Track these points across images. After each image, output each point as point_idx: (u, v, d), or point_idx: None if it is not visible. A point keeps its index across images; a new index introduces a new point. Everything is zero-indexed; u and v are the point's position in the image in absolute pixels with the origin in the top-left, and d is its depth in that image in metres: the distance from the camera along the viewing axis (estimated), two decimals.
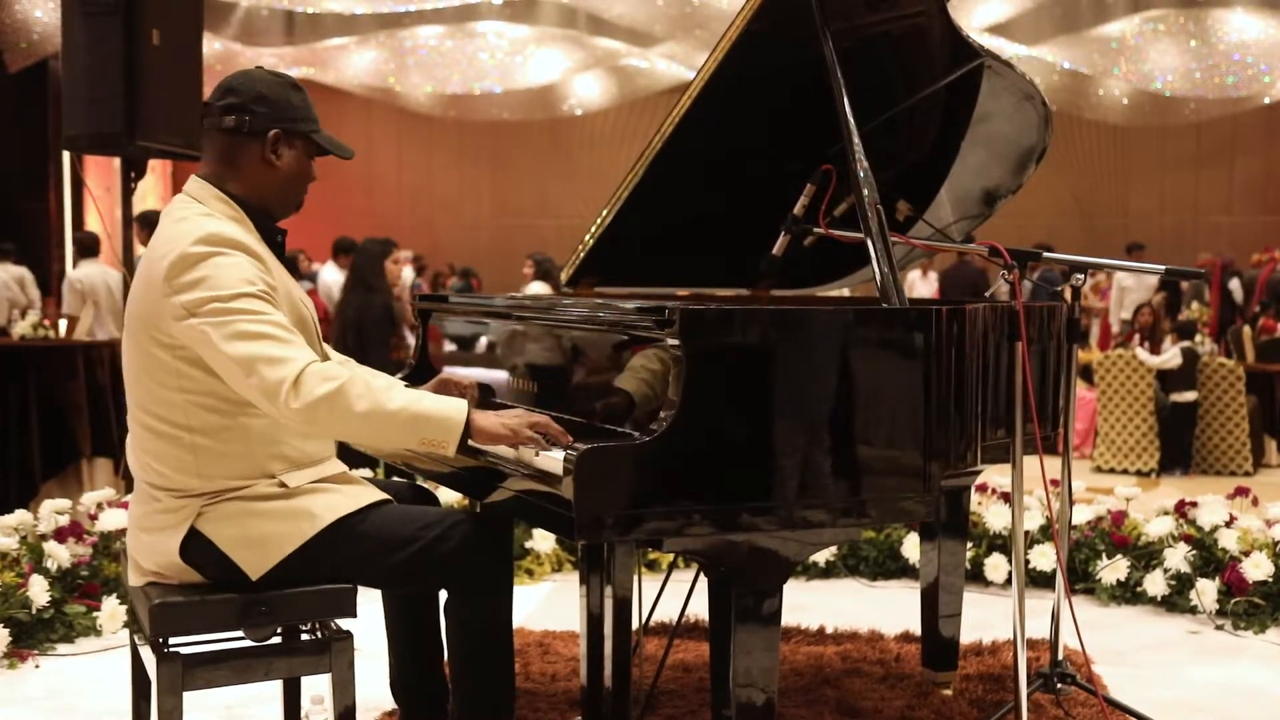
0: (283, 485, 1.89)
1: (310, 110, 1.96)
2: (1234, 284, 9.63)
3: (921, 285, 9.80)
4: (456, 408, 1.78)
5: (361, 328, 5.57)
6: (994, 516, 3.82)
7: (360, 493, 1.96)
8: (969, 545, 3.58)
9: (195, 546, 1.86)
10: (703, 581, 2.01)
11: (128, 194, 3.89)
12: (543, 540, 3.93)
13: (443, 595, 2.02)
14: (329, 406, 1.72)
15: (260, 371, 1.73)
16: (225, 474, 1.86)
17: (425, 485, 2.44)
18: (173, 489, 1.87)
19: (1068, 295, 2.44)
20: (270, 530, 1.86)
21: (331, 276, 7.84)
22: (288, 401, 1.72)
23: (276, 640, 1.93)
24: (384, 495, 1.99)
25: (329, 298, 7.70)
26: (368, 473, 4.00)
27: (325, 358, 2.00)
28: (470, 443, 1.80)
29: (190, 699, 1.84)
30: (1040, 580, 3.69)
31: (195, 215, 1.86)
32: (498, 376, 2.35)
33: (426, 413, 1.76)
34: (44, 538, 3.39)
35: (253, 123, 1.89)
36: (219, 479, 1.86)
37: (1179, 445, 6.65)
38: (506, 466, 1.89)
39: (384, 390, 1.76)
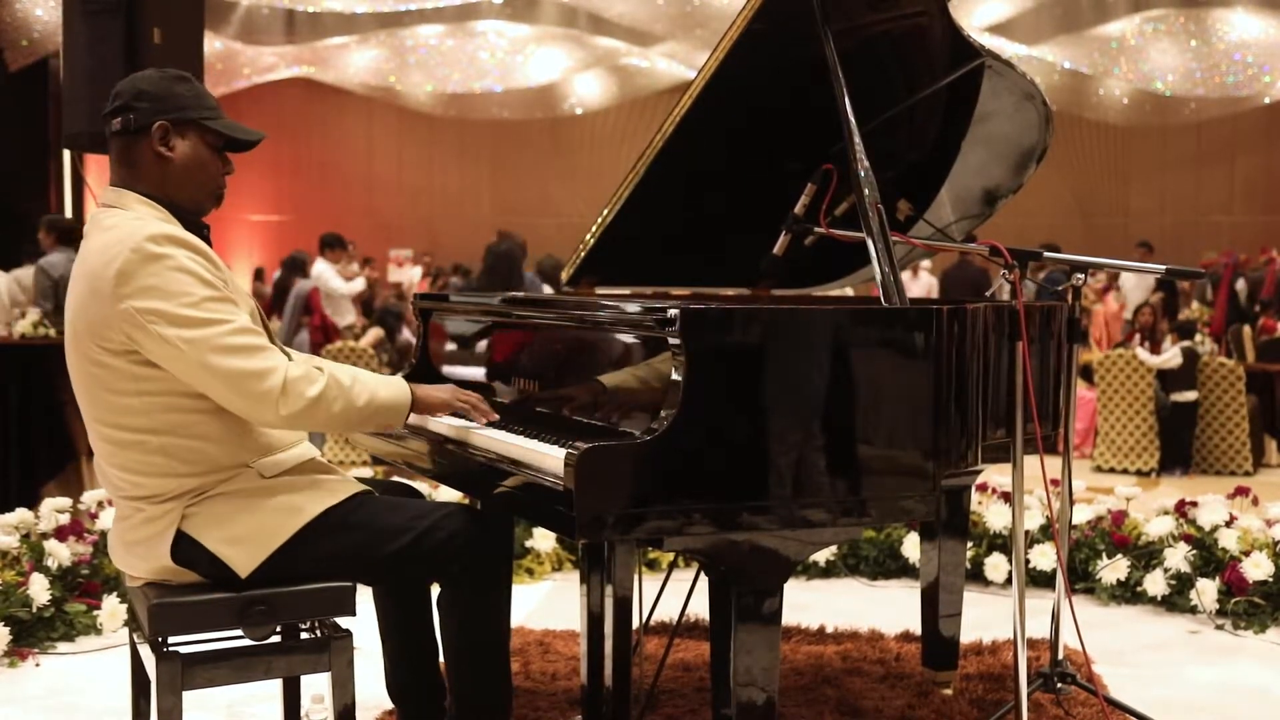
0: (261, 475, 1.89)
1: (202, 99, 1.93)
2: (1240, 284, 9.64)
3: (914, 285, 9.81)
4: (402, 394, 1.94)
5: None
6: (994, 516, 3.82)
7: (341, 484, 1.96)
8: (969, 545, 3.58)
9: (184, 548, 1.85)
10: (703, 581, 2.01)
11: None
12: (543, 539, 3.93)
13: (436, 591, 2.02)
14: (312, 411, 1.82)
15: (247, 387, 1.78)
16: (200, 469, 1.85)
17: (415, 485, 2.44)
18: (151, 496, 1.85)
19: (1068, 295, 2.44)
20: (256, 526, 1.85)
21: (320, 269, 7.86)
22: (277, 410, 1.80)
23: (276, 639, 1.92)
24: (364, 486, 1.99)
25: (325, 293, 7.72)
26: (367, 472, 4.00)
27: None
28: (410, 416, 1.98)
29: (190, 698, 1.84)
30: (1040, 580, 3.69)
31: (126, 220, 1.84)
32: (498, 376, 2.35)
33: (384, 402, 1.92)
34: (44, 536, 3.39)
35: (137, 119, 1.87)
36: (195, 475, 1.85)
37: (1179, 445, 6.65)
38: (507, 465, 1.89)
39: (350, 388, 1.87)
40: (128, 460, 1.85)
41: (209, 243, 1.91)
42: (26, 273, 9.01)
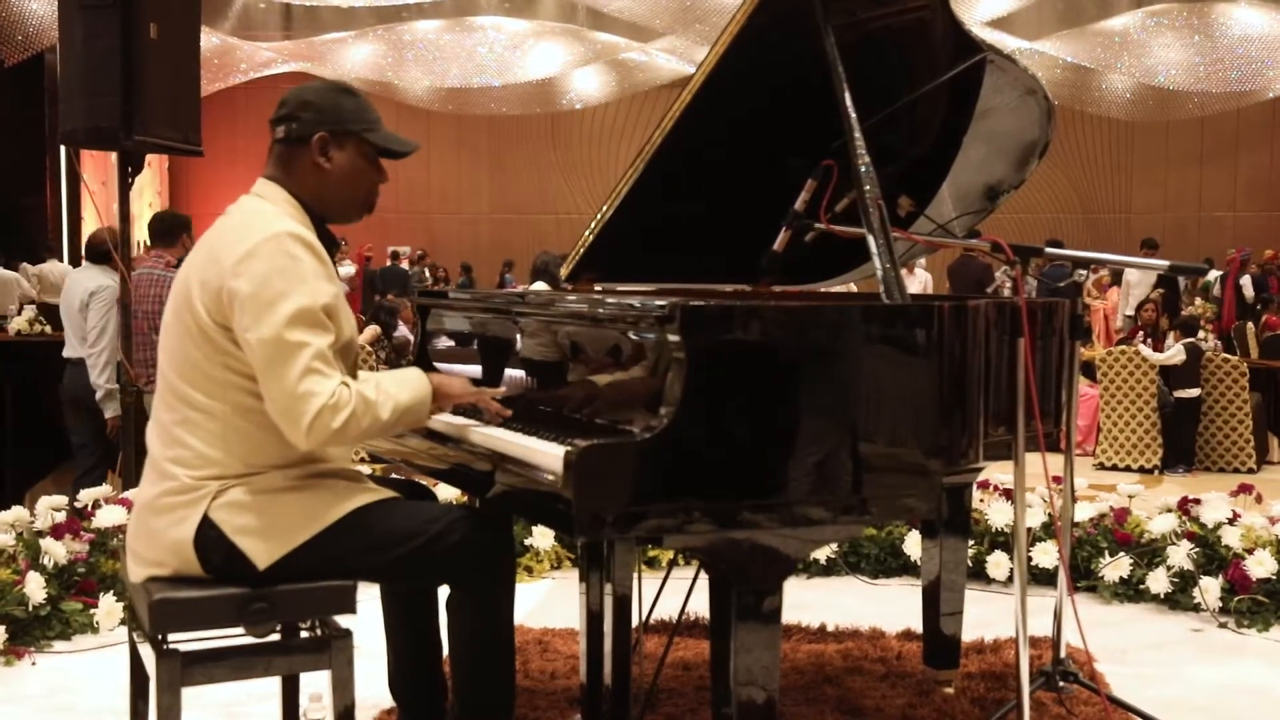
0: (298, 478, 1.90)
1: (364, 112, 1.99)
2: (1245, 280, 9.61)
3: (909, 283, 9.80)
4: (423, 392, 1.94)
5: None
6: (996, 514, 3.81)
7: (367, 488, 1.97)
8: (971, 543, 3.57)
9: (204, 534, 1.85)
10: (703, 579, 1.99)
11: (125, 189, 3.87)
12: (542, 537, 3.92)
13: (443, 593, 2.02)
14: (340, 435, 1.84)
15: (288, 405, 1.80)
16: (249, 459, 1.87)
17: (423, 482, 2.43)
18: (192, 467, 1.87)
19: (1073, 290, 2.43)
20: (280, 521, 1.86)
21: None
22: (305, 436, 1.81)
23: (276, 637, 1.92)
24: (392, 492, 2.00)
25: None
26: (366, 470, 3.98)
27: (353, 374, 2.02)
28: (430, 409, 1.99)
29: (189, 696, 1.83)
30: (1042, 578, 3.68)
31: (270, 212, 1.91)
32: (497, 373, 2.33)
33: (407, 405, 1.92)
34: (40, 534, 3.38)
35: (300, 129, 1.95)
36: (241, 462, 1.87)
37: (1182, 442, 6.63)
38: (506, 463, 1.88)
39: (376, 402, 1.87)
40: (189, 417, 1.87)
41: (334, 258, 1.97)
42: (52, 268, 8.99)
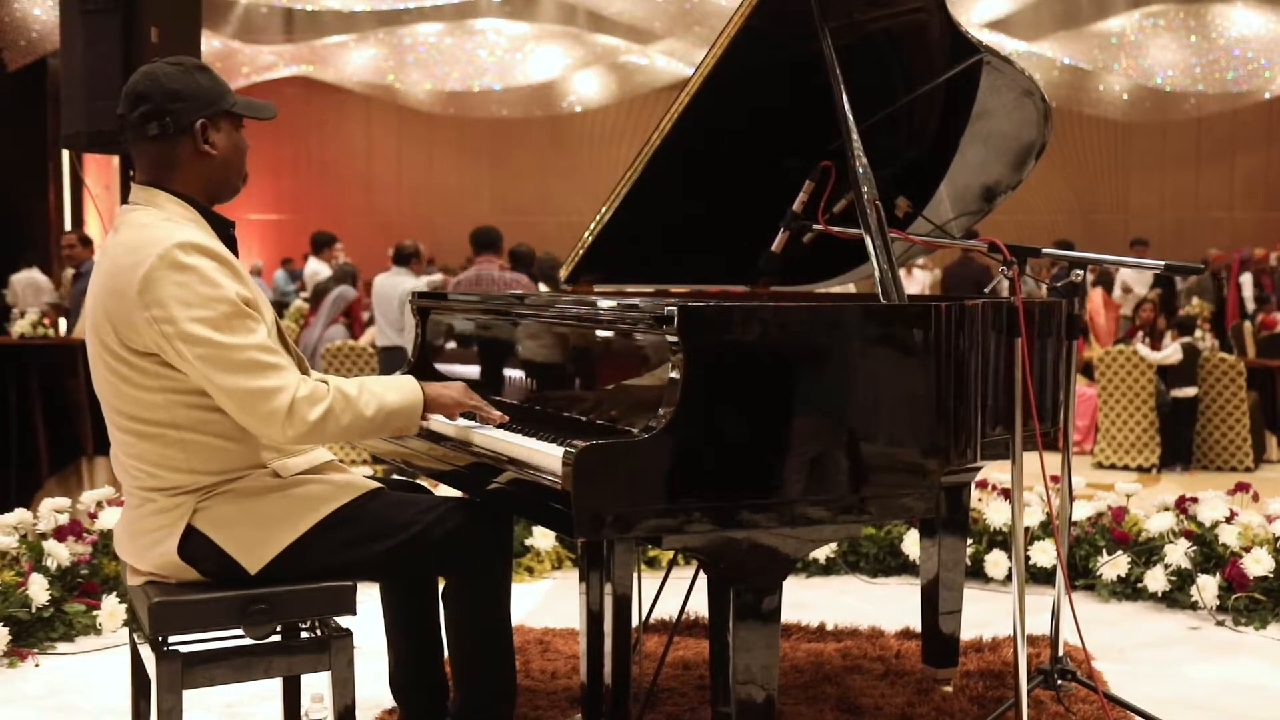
0: (276, 475, 1.89)
1: (221, 84, 1.93)
2: (1245, 278, 9.61)
3: (909, 284, 9.82)
4: (412, 396, 1.91)
5: None
6: (994, 513, 3.82)
7: (353, 482, 1.97)
8: (969, 542, 3.58)
9: (192, 544, 1.85)
10: (702, 578, 2.00)
11: (127, 192, 3.88)
12: (543, 538, 3.93)
13: (442, 588, 2.03)
14: (320, 428, 1.80)
15: (253, 406, 1.77)
16: (217, 467, 1.86)
17: (422, 483, 2.44)
18: (166, 488, 1.86)
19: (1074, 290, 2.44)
20: (266, 524, 1.86)
21: (314, 268, 7.86)
22: (284, 430, 1.78)
23: (276, 638, 1.93)
24: (376, 484, 2.00)
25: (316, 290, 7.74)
26: (367, 470, 4.00)
27: (299, 362, 1.98)
28: (422, 421, 1.95)
29: (190, 697, 1.84)
30: (1040, 576, 3.69)
31: (157, 221, 1.84)
32: (496, 375, 2.35)
33: (394, 408, 1.89)
34: (44, 536, 3.39)
35: (176, 121, 1.86)
36: (211, 473, 1.86)
37: (1180, 441, 6.64)
38: (506, 464, 1.89)
39: (357, 398, 1.84)
40: (146, 451, 1.85)
41: (234, 240, 1.93)
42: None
